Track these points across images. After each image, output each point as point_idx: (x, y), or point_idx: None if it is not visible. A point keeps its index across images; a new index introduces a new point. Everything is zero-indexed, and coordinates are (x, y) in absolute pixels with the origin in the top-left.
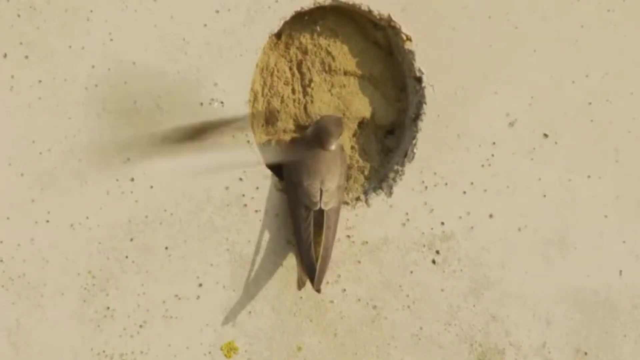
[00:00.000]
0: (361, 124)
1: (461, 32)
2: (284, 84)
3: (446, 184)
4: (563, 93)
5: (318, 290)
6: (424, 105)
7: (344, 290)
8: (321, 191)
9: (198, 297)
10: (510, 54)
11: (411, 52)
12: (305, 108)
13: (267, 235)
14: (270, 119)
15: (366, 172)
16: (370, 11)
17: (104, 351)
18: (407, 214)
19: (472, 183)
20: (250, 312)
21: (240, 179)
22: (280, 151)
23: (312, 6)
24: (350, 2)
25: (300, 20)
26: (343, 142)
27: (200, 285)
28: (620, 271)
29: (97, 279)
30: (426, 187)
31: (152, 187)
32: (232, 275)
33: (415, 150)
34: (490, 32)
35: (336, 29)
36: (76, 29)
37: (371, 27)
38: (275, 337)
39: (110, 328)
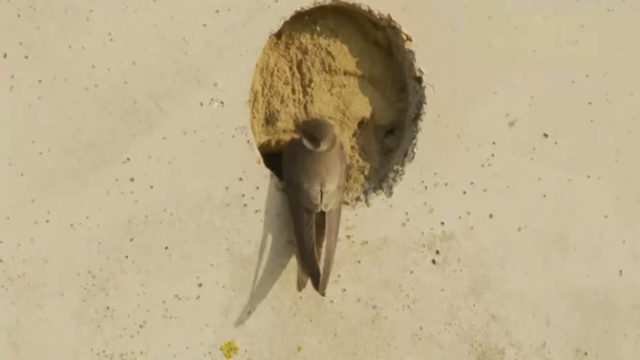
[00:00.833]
0: (361, 124)
1: (461, 32)
2: (284, 84)
3: (446, 184)
4: (563, 93)
5: (323, 294)
6: (424, 105)
7: (344, 290)
8: (322, 193)
9: (198, 297)
10: (510, 54)
11: (411, 52)
12: (305, 108)
13: (267, 236)
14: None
15: (366, 172)
16: (370, 11)
17: (104, 351)
18: (407, 214)
19: (472, 183)
20: (250, 312)
21: (240, 179)
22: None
23: (312, 6)
24: (350, 2)
25: (300, 20)
26: (342, 140)
27: (200, 285)
28: (620, 271)
29: (97, 279)
30: (426, 187)
31: (152, 187)
32: (232, 275)
33: (415, 150)
34: (490, 32)
35: (336, 29)
36: (76, 29)
37: (371, 27)
38: (275, 337)
39: (110, 328)
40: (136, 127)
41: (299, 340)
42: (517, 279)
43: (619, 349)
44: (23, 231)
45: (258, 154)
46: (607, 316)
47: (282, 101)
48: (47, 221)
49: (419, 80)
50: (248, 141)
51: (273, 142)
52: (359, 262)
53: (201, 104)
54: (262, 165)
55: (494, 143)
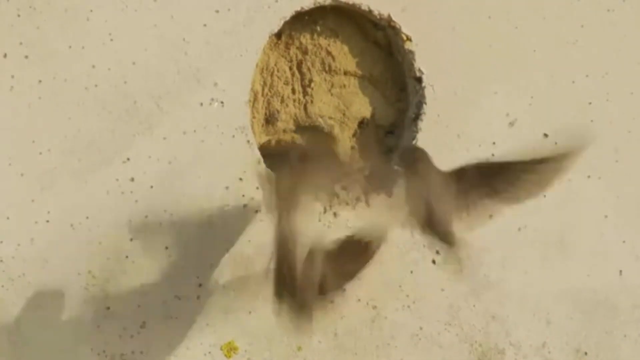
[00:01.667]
0: (361, 124)
1: (461, 32)
2: (284, 84)
3: None
4: (563, 93)
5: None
6: (424, 105)
7: (344, 290)
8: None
9: (198, 297)
10: (510, 54)
11: (411, 52)
12: (305, 108)
13: (267, 235)
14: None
15: (366, 172)
16: (370, 11)
17: (104, 351)
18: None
19: None
20: (250, 312)
21: (240, 179)
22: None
23: (312, 6)
24: (350, 2)
25: (300, 20)
26: (342, 140)
27: (200, 285)
28: (620, 271)
29: (97, 279)
30: None
31: (152, 187)
32: (232, 275)
33: None
34: (490, 32)
35: (336, 29)
36: (76, 29)
37: (371, 27)
38: (275, 337)
39: (110, 328)
40: (136, 127)
41: (299, 340)
42: (517, 279)
43: (619, 349)
44: (23, 231)
45: (258, 154)
46: (607, 316)
47: (282, 101)
48: (47, 221)
49: (419, 80)
50: (248, 141)
51: (273, 142)
52: None
53: (201, 104)
54: (262, 165)
55: (494, 143)
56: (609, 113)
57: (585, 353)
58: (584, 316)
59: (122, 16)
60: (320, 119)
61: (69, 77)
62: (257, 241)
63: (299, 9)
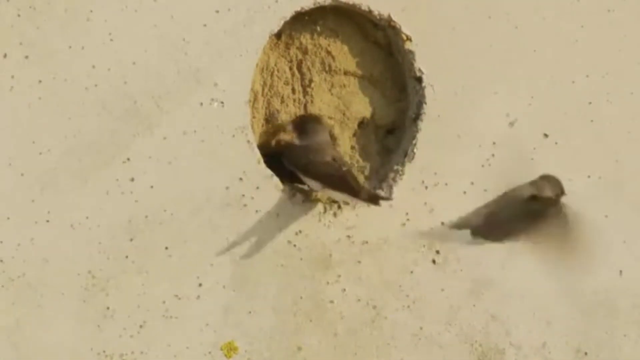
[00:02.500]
0: (361, 124)
1: (461, 32)
2: (284, 84)
3: (446, 184)
4: (563, 93)
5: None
6: (424, 105)
7: (344, 290)
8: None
9: (198, 297)
10: (510, 54)
11: (411, 52)
12: (305, 108)
13: (267, 235)
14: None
15: (366, 172)
16: (370, 11)
17: (104, 351)
18: (407, 214)
19: (472, 183)
20: (250, 312)
21: (240, 179)
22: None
23: (312, 6)
24: (350, 2)
25: (300, 20)
26: (342, 140)
27: (200, 285)
28: (620, 271)
29: (97, 279)
30: (426, 187)
31: (152, 187)
32: (232, 275)
33: (415, 150)
34: (490, 32)
35: (336, 29)
36: (76, 29)
37: (371, 27)
38: (275, 337)
39: (110, 328)
40: (136, 127)
41: (299, 340)
42: (517, 279)
43: (619, 349)
44: (23, 231)
45: (258, 154)
46: (607, 316)
47: (282, 101)
48: (47, 221)
49: (419, 80)
50: (248, 141)
51: (273, 142)
52: (359, 262)
53: (201, 104)
54: (262, 165)
55: (494, 143)
56: (609, 113)
57: (585, 353)
58: (584, 316)
59: (122, 16)
60: None
61: (69, 77)
62: (257, 241)
63: (299, 9)
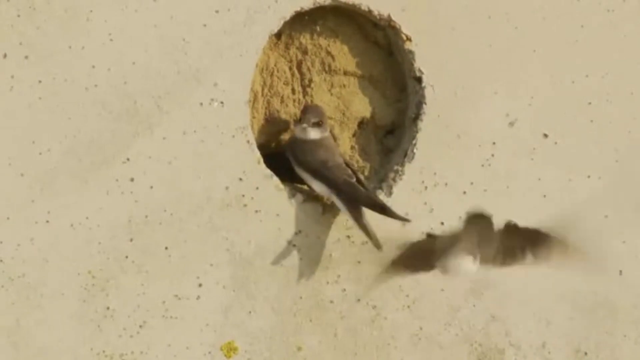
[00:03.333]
0: (361, 124)
1: (461, 32)
2: (284, 84)
3: (446, 184)
4: (563, 93)
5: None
6: (424, 105)
7: (344, 290)
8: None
9: (198, 297)
10: (510, 54)
11: (411, 52)
12: None
13: (267, 235)
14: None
15: (366, 172)
16: (370, 11)
17: (104, 351)
18: (407, 214)
19: (472, 183)
20: (250, 312)
21: (240, 179)
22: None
23: (312, 6)
24: (350, 2)
25: (300, 20)
26: (342, 140)
27: (200, 285)
28: (620, 271)
29: (97, 279)
30: (426, 187)
31: (152, 187)
32: (232, 275)
33: (415, 150)
34: (490, 32)
35: (336, 29)
36: (76, 29)
37: (371, 27)
38: (275, 337)
39: (110, 328)
40: (136, 127)
41: (299, 340)
42: (517, 279)
43: (619, 349)
44: (23, 231)
45: (258, 154)
46: (607, 316)
47: (282, 101)
48: (47, 221)
49: (419, 80)
50: (248, 141)
51: (273, 142)
52: (359, 262)
53: (201, 104)
54: (262, 165)
55: (494, 143)
56: (609, 113)
57: (585, 353)
58: (584, 316)
59: (122, 16)
60: None
61: (69, 77)
62: (257, 241)
63: (299, 9)
